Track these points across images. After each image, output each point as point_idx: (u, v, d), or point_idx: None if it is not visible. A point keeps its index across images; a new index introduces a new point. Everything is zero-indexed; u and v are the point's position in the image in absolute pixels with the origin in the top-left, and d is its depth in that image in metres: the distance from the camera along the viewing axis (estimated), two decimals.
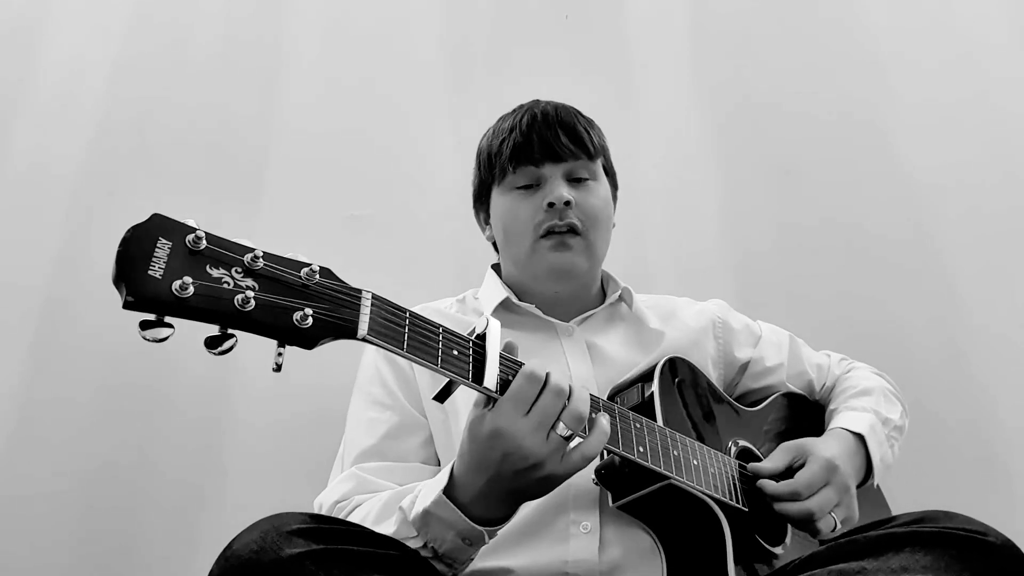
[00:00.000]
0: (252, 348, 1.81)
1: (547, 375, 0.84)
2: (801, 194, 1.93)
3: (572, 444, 0.84)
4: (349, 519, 1.02)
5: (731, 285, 1.82)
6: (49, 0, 2.03)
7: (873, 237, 1.88)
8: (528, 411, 0.82)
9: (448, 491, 0.87)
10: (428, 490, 0.91)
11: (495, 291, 1.26)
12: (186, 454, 1.65)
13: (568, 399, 0.84)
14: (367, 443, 1.13)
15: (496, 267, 1.34)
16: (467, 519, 0.85)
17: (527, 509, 1.04)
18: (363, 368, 1.23)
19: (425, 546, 0.90)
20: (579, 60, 2.04)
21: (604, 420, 0.88)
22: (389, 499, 1.00)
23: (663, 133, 1.93)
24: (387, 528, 0.93)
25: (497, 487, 0.84)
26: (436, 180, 1.92)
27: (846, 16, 2.09)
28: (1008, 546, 0.80)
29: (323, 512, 1.07)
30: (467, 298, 1.33)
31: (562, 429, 0.83)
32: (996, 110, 1.96)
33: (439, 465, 1.13)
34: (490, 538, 0.88)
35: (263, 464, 1.64)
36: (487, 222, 1.31)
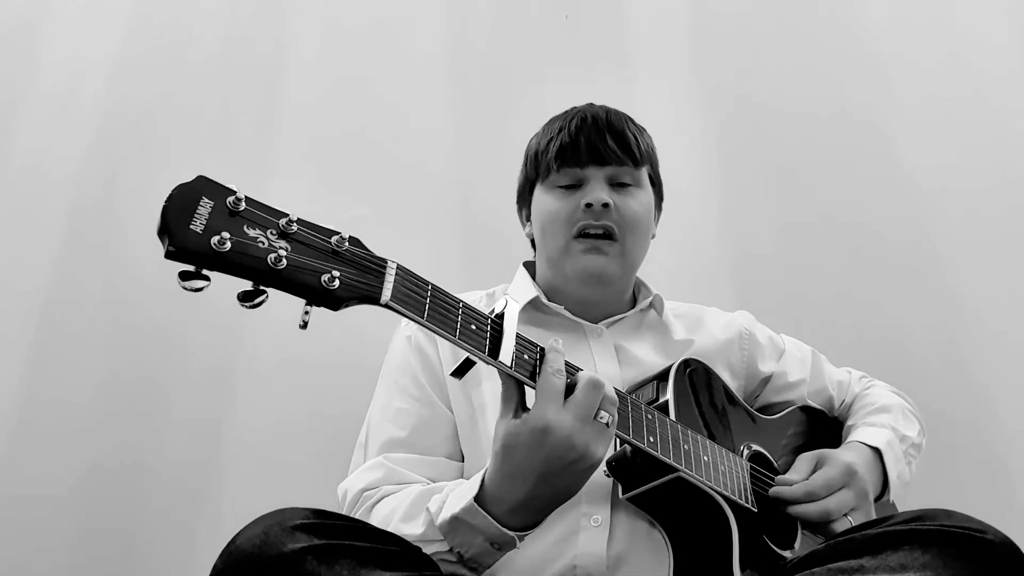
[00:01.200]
0: (252, 349, 1.82)
1: (578, 373, 0.86)
2: (801, 194, 1.94)
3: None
4: (373, 514, 1.03)
5: (730, 285, 1.83)
6: (49, 0, 2.03)
7: (873, 237, 1.88)
8: (564, 405, 0.83)
9: (479, 499, 0.87)
10: (457, 497, 0.91)
11: (525, 289, 1.26)
12: (185, 455, 1.65)
13: (604, 392, 0.85)
14: (394, 433, 1.13)
15: (528, 265, 1.35)
16: (499, 526, 0.86)
17: None
18: (392, 355, 1.23)
19: (451, 551, 0.90)
20: (579, 60, 2.04)
21: None
22: (416, 498, 1.00)
23: (663, 133, 1.92)
24: (414, 528, 0.94)
25: (541, 490, 0.85)
26: (436, 180, 1.92)
27: (846, 16, 2.09)
28: (1007, 544, 0.80)
29: (348, 498, 1.08)
30: (497, 293, 1.33)
31: (603, 416, 0.84)
32: (996, 110, 1.97)
33: (463, 460, 1.14)
34: (520, 543, 0.88)
35: (262, 465, 1.64)
36: (528, 219, 1.32)
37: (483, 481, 0.88)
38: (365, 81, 2.01)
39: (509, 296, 0.89)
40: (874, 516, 1.08)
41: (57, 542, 1.58)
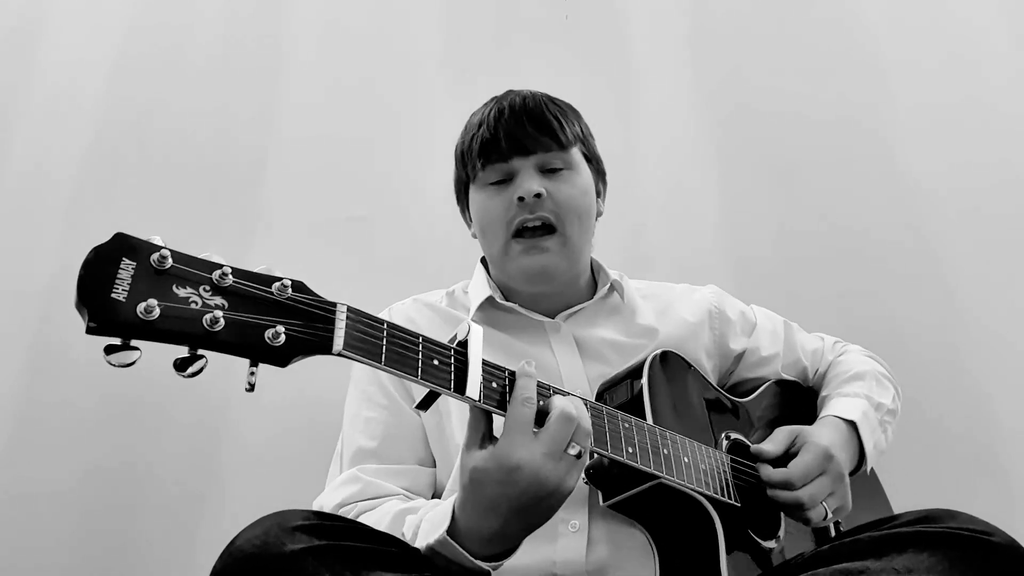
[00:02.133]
0: None
1: (550, 405, 0.82)
2: (799, 195, 1.93)
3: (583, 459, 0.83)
4: None
5: (729, 285, 1.81)
6: (49, 0, 2.02)
7: (871, 238, 1.88)
8: (535, 437, 0.80)
9: (452, 532, 0.85)
10: (430, 526, 0.90)
11: (481, 288, 1.24)
12: (185, 458, 1.65)
13: (578, 424, 0.82)
14: (365, 443, 1.13)
15: (484, 261, 1.32)
16: (472, 558, 0.83)
17: None
18: (357, 365, 1.22)
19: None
20: (579, 60, 2.04)
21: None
22: (391, 521, 0.99)
23: (662, 133, 1.92)
24: None
25: (513, 526, 0.82)
26: (435, 181, 1.92)
27: (845, 17, 2.08)
28: (1012, 546, 0.80)
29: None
30: (456, 291, 1.31)
31: (573, 448, 0.81)
32: (995, 112, 1.96)
33: (434, 466, 1.14)
34: (495, 573, 0.86)
35: (261, 468, 1.64)
36: (470, 219, 1.29)
37: (454, 513, 0.86)
38: (364, 82, 2.01)
39: (470, 321, 0.86)
40: (848, 499, 1.08)
41: (57, 542, 1.58)
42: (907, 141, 1.95)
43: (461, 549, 0.83)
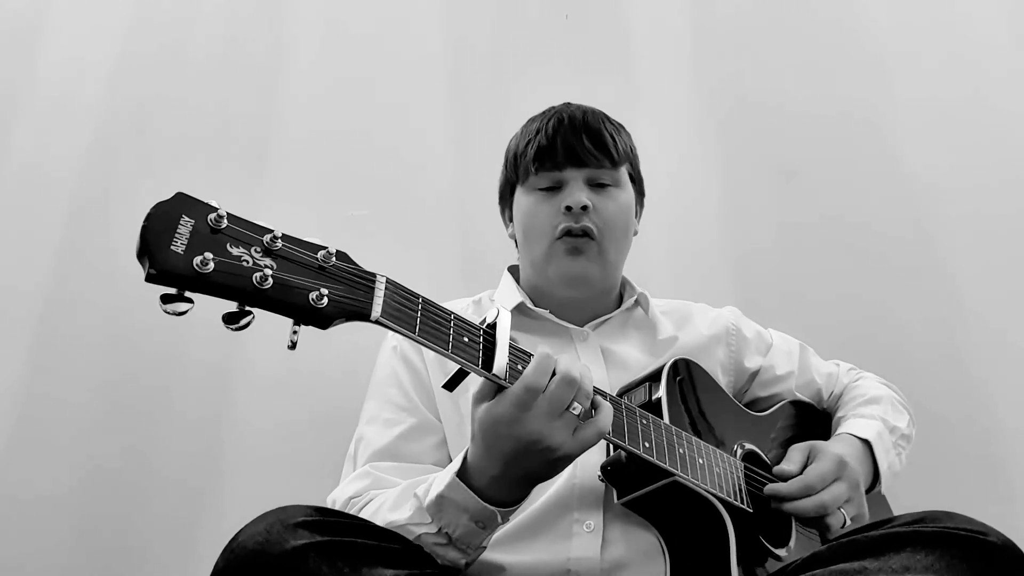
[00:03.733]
0: (252, 350, 1.82)
1: (556, 364, 0.84)
2: (801, 194, 1.94)
3: (582, 420, 0.85)
4: (362, 513, 1.03)
5: (730, 285, 1.82)
6: (49, 0, 2.02)
7: (873, 236, 1.88)
8: (539, 398, 0.82)
9: (462, 474, 0.88)
10: (443, 476, 0.92)
11: (510, 294, 1.28)
12: (186, 455, 1.65)
13: (579, 385, 0.84)
14: (381, 443, 1.14)
15: (512, 269, 1.36)
16: (480, 500, 0.86)
17: (532, 506, 1.05)
18: (379, 368, 1.24)
19: (439, 532, 0.90)
20: (579, 60, 2.04)
21: (607, 404, 0.89)
22: (404, 488, 1.01)
23: (662, 132, 1.93)
24: (401, 514, 0.95)
25: (512, 470, 0.85)
26: (436, 180, 1.92)
27: (846, 16, 2.09)
28: (1009, 547, 0.80)
29: (338, 507, 1.08)
30: (483, 300, 1.34)
31: (574, 407, 0.83)
32: (996, 109, 1.96)
33: None
34: (503, 520, 0.89)
35: (263, 465, 1.64)
36: (510, 219, 1.33)
37: (466, 457, 0.89)
38: (365, 81, 2.01)
39: (500, 305, 0.88)
40: (866, 507, 1.09)
41: (57, 542, 1.57)
42: (909, 139, 1.95)
43: (468, 488, 0.86)
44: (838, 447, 1.12)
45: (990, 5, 2.07)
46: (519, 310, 1.24)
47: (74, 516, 1.59)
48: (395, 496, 1.00)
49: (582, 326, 1.25)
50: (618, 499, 1.02)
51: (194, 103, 1.95)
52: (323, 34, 2.06)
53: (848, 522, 1.04)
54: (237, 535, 0.78)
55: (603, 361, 1.21)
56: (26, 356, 1.70)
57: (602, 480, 1.04)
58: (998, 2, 2.07)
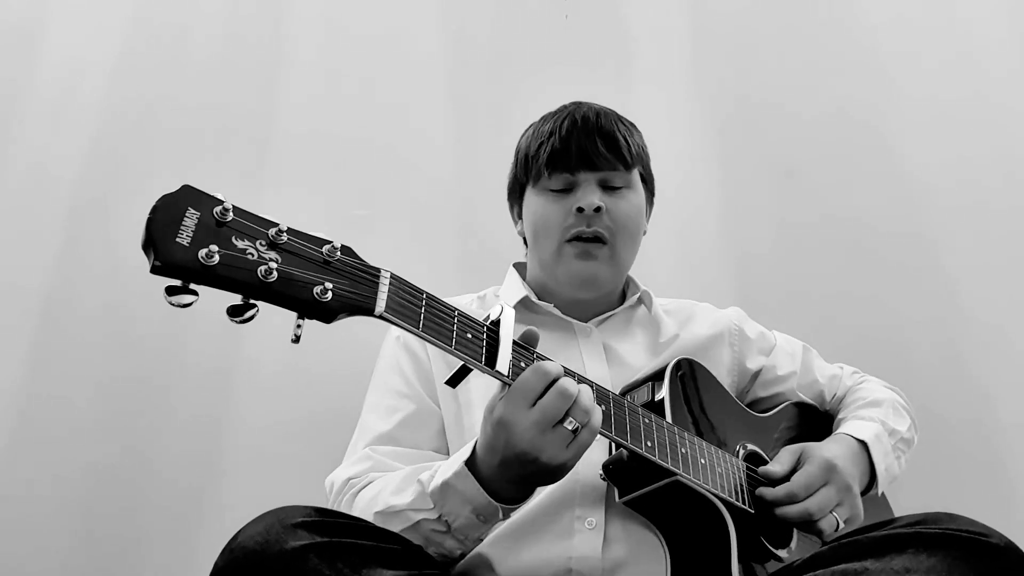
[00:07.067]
0: (252, 350, 1.82)
1: (556, 376, 0.84)
2: (801, 193, 1.94)
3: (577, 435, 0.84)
4: (361, 495, 1.04)
5: (731, 284, 1.83)
6: (49, 0, 2.02)
7: (873, 236, 1.88)
8: (532, 406, 0.82)
9: (470, 464, 0.89)
10: (449, 464, 0.92)
11: (515, 289, 1.28)
12: (186, 454, 1.65)
13: (575, 399, 0.83)
14: (382, 428, 1.14)
15: (518, 266, 1.36)
16: (484, 493, 0.87)
17: (533, 504, 1.04)
18: (382, 358, 1.25)
19: (439, 519, 0.91)
20: (579, 60, 2.04)
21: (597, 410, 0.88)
22: (408, 473, 1.01)
23: (663, 133, 1.92)
24: (403, 499, 0.95)
25: (506, 471, 0.85)
26: (436, 180, 1.92)
27: (846, 16, 2.09)
28: (1011, 548, 0.80)
29: (335, 488, 1.09)
30: (488, 295, 1.34)
31: (569, 423, 0.83)
32: (996, 109, 1.96)
33: (450, 455, 1.14)
34: (504, 516, 0.89)
35: (263, 465, 1.64)
36: (519, 216, 1.33)
37: (475, 448, 0.90)
38: (365, 81, 2.01)
39: (504, 302, 0.89)
40: (860, 509, 1.08)
41: (57, 542, 1.57)
42: (909, 139, 1.95)
43: (475, 480, 0.87)
44: (830, 449, 1.11)
45: (990, 5, 2.07)
46: (523, 304, 1.24)
47: (74, 516, 1.59)
48: (398, 480, 1.01)
49: (586, 322, 1.25)
50: (619, 498, 1.02)
51: (194, 103, 1.95)
52: (323, 34, 2.05)
53: (841, 525, 1.04)
54: (236, 535, 0.79)
55: (605, 358, 1.21)
56: (26, 356, 1.70)
57: (603, 479, 1.04)
58: (998, 2, 2.07)
